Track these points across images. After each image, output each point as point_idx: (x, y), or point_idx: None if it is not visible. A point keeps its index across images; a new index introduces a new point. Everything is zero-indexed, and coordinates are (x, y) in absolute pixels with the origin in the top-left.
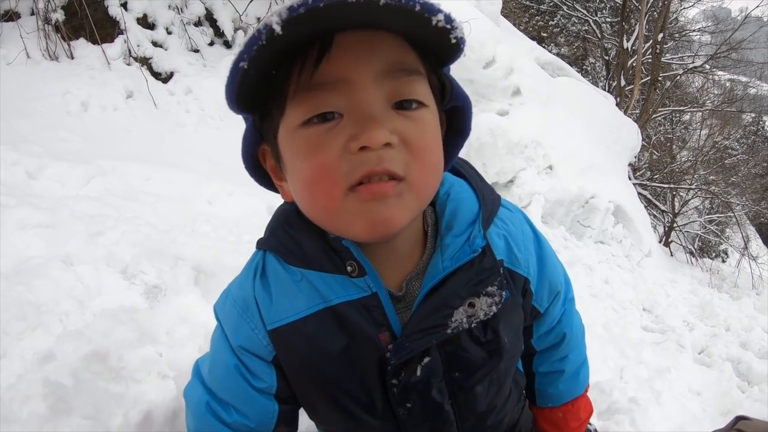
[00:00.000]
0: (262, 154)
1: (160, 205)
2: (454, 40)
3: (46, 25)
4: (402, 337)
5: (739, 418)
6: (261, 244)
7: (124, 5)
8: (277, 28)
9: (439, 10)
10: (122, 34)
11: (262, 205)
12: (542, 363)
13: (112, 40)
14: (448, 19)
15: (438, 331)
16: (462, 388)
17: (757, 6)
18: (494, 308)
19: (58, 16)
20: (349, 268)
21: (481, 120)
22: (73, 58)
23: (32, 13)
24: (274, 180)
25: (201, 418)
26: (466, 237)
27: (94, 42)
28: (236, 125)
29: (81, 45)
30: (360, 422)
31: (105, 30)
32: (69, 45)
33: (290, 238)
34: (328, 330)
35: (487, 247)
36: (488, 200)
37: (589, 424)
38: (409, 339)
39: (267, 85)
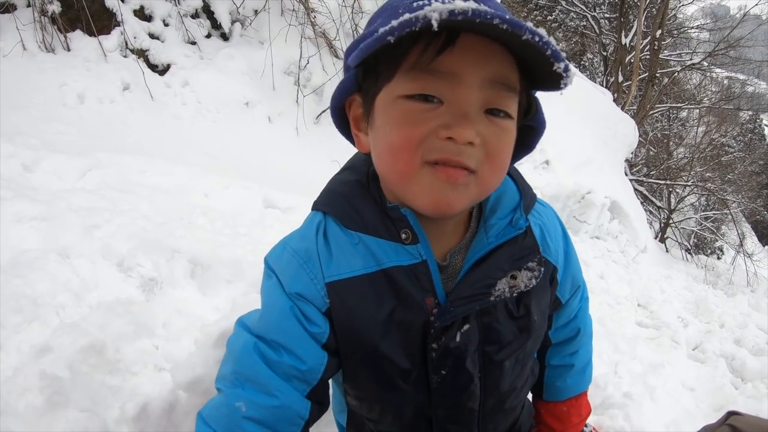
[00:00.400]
0: (349, 103)
1: (156, 197)
2: (562, 85)
3: (42, 17)
4: (447, 303)
5: (731, 414)
6: (320, 206)
7: None
8: (435, 24)
9: (563, 60)
10: (119, 26)
11: (258, 198)
12: (554, 356)
13: (108, 32)
14: (566, 68)
15: (482, 298)
16: (492, 362)
17: (756, 4)
18: (534, 281)
19: (55, 7)
20: (403, 236)
21: None
22: (69, 50)
23: (28, 5)
24: (353, 128)
25: (244, 358)
26: (510, 219)
27: (91, 34)
28: (232, 118)
29: (77, 37)
30: (393, 388)
31: (102, 22)
32: (65, 37)
33: (350, 206)
34: (379, 291)
35: (529, 228)
36: (527, 193)
37: (586, 425)
38: (453, 304)
39: (384, 51)
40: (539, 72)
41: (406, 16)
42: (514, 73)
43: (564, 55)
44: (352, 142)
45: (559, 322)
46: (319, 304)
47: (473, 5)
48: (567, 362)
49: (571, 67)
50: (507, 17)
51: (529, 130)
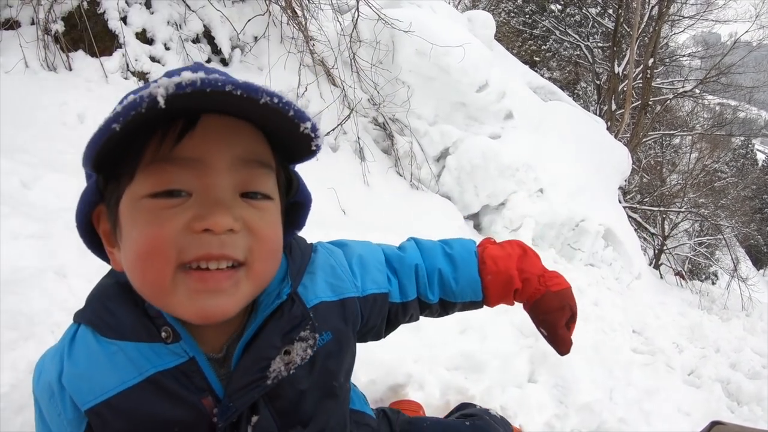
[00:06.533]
0: (97, 216)
1: None
2: (314, 147)
3: (45, 36)
4: (225, 398)
5: (715, 423)
6: (76, 317)
7: (124, 19)
8: (161, 101)
9: (308, 119)
10: (121, 47)
11: None
12: (429, 292)
13: (110, 54)
14: (314, 128)
15: (259, 384)
16: None
17: (746, 31)
18: (309, 351)
19: (58, 27)
20: (163, 334)
21: (473, 143)
22: (71, 69)
23: (32, 23)
24: (106, 245)
25: None
26: (278, 291)
27: (93, 54)
28: None
29: (80, 57)
30: None
31: (104, 43)
32: (68, 56)
33: (106, 310)
34: (149, 403)
35: (294, 295)
36: (297, 254)
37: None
38: (231, 399)
39: (120, 149)
40: (289, 139)
41: (131, 97)
42: (265, 148)
43: (309, 115)
44: (108, 261)
45: (408, 292)
46: None
47: (202, 75)
48: (432, 278)
49: (319, 127)
50: (241, 83)
51: (299, 208)
